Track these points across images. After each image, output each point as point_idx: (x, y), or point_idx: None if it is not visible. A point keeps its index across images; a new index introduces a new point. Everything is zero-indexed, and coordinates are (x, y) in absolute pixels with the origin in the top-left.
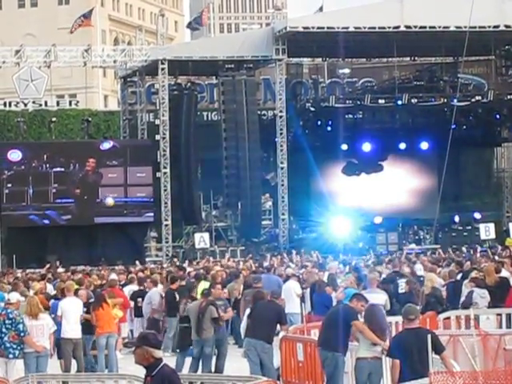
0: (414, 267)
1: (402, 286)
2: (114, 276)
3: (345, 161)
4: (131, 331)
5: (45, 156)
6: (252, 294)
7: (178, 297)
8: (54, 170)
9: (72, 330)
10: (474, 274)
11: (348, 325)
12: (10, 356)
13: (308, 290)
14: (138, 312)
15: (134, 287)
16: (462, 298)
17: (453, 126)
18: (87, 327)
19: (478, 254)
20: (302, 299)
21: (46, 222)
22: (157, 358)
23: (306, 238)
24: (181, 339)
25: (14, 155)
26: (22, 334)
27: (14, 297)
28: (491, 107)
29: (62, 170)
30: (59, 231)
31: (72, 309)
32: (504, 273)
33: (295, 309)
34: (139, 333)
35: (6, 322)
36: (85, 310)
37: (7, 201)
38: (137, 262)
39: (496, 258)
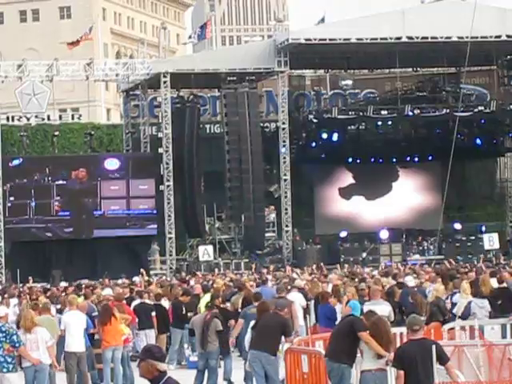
0: (405, 279)
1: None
2: (108, 291)
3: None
4: (134, 343)
5: (47, 169)
6: (257, 306)
7: (184, 309)
8: (57, 182)
9: (75, 343)
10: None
11: (356, 336)
12: (4, 370)
13: (312, 301)
14: (143, 325)
15: (138, 300)
16: (461, 309)
17: (456, 137)
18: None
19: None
20: (307, 311)
21: (49, 234)
22: (161, 371)
23: (310, 250)
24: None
25: (13, 169)
26: (16, 345)
27: (2, 311)
28: (494, 117)
29: (64, 182)
30: (62, 245)
31: (75, 322)
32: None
33: (299, 321)
34: (143, 346)
35: (0, 335)
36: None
37: (10, 214)
38: (141, 270)
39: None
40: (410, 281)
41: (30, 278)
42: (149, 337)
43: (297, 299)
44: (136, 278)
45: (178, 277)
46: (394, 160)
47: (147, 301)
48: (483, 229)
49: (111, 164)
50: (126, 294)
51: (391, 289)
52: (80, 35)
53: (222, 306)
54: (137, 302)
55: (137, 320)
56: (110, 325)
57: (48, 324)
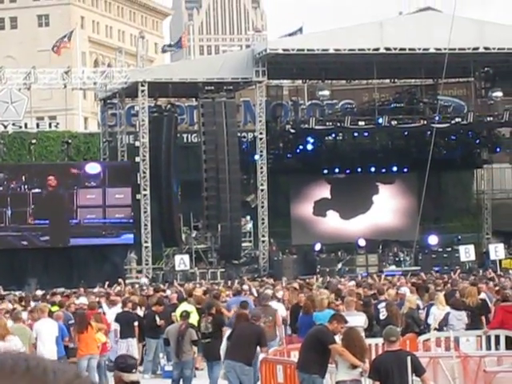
0: (400, 290)
1: (383, 309)
2: (83, 299)
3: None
4: (116, 353)
5: (23, 177)
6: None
7: (158, 319)
8: (33, 191)
9: (47, 351)
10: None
11: (324, 346)
12: None
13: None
14: (125, 334)
15: (118, 309)
16: (437, 321)
17: (432, 148)
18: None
19: (457, 276)
20: (286, 321)
21: (24, 243)
22: (126, 382)
23: (286, 260)
24: (206, 354)
25: None
26: None
27: None
28: (471, 129)
29: (40, 191)
30: (39, 253)
31: (46, 330)
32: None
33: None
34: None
35: None
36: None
37: None
38: (120, 280)
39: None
40: (404, 292)
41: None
42: (131, 346)
43: (278, 309)
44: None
45: (154, 286)
46: (371, 171)
47: (130, 310)
48: (459, 240)
49: (92, 168)
50: (101, 302)
51: (367, 299)
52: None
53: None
54: (119, 310)
55: (119, 328)
56: (86, 333)
57: (20, 333)
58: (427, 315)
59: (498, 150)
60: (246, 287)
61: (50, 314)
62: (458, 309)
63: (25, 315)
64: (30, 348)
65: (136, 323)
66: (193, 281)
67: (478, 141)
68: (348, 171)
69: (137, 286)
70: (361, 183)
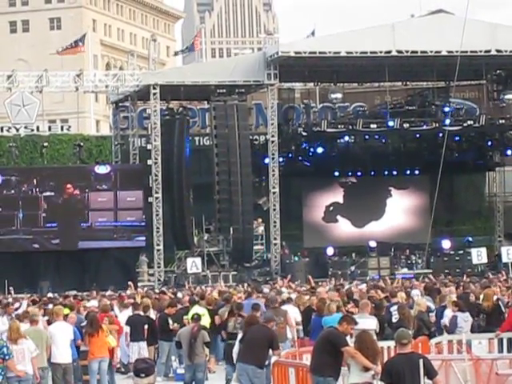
0: (412, 293)
1: (395, 312)
2: (94, 302)
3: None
4: (129, 356)
5: (35, 180)
6: (245, 318)
7: (171, 321)
8: (44, 194)
9: (61, 354)
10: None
11: (337, 349)
12: None
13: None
14: (135, 337)
15: (129, 312)
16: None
17: (444, 151)
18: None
19: (468, 279)
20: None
21: (36, 246)
22: None
23: (298, 263)
24: (227, 353)
25: (0, 180)
26: (6, 358)
27: None
28: (483, 132)
29: (52, 194)
30: (51, 256)
31: (61, 333)
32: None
33: (290, 332)
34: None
35: None
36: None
37: None
38: (129, 283)
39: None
40: (417, 295)
41: (12, 288)
42: (142, 349)
43: (292, 313)
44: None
45: (160, 290)
46: (383, 174)
47: (141, 313)
48: (470, 242)
49: (102, 169)
50: (113, 305)
51: (380, 302)
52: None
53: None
54: (130, 313)
55: (129, 331)
56: (97, 336)
57: (36, 335)
58: (440, 318)
59: (510, 152)
60: (266, 290)
61: (65, 317)
62: (463, 311)
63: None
64: (46, 350)
65: (146, 326)
66: (204, 284)
67: (490, 143)
68: (360, 174)
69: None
70: (373, 187)
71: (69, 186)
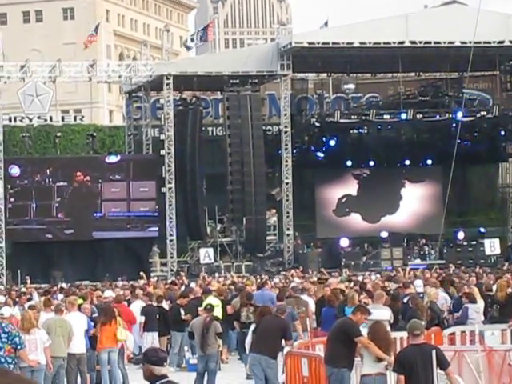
0: (414, 283)
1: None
2: (109, 293)
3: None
4: (140, 347)
5: (48, 170)
6: (258, 309)
7: (183, 312)
8: (57, 184)
9: (75, 345)
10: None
11: (351, 339)
12: None
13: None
14: (149, 327)
15: (141, 303)
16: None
17: (458, 142)
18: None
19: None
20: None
21: (49, 236)
22: (157, 376)
23: (311, 254)
24: (241, 343)
25: (14, 170)
26: (18, 348)
27: (7, 311)
28: (496, 122)
29: (65, 184)
30: (63, 246)
31: (75, 324)
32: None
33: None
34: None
35: (2, 335)
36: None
37: (10, 215)
38: (141, 273)
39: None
40: (419, 286)
41: (28, 278)
42: (155, 339)
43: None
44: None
45: (171, 280)
46: (396, 165)
47: (154, 303)
48: (485, 234)
49: (112, 158)
50: (126, 295)
51: (396, 292)
52: (84, 36)
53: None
54: (143, 304)
55: (143, 321)
56: (109, 326)
57: (60, 324)
58: (456, 309)
59: None
60: (276, 280)
61: (79, 308)
62: (474, 302)
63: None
64: (68, 340)
65: (157, 316)
66: (217, 273)
67: (503, 134)
68: (373, 164)
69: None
70: (387, 179)
71: (78, 173)
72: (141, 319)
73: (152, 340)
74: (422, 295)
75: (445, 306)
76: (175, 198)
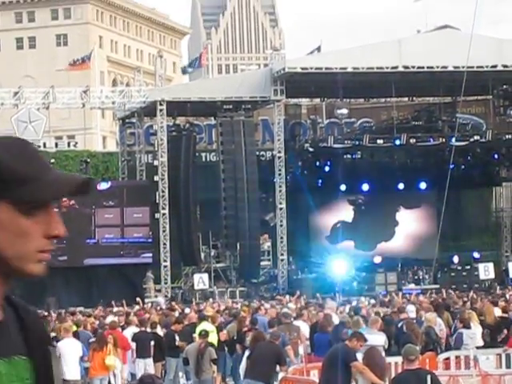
0: (407, 308)
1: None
2: (112, 318)
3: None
4: (131, 374)
5: None
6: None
7: (177, 338)
8: None
9: (70, 371)
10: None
11: (347, 365)
12: None
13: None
14: (141, 354)
15: (135, 329)
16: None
17: (451, 166)
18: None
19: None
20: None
21: None
22: None
23: (305, 279)
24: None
25: None
26: None
27: None
28: (490, 147)
29: (58, 210)
30: (58, 272)
31: (70, 350)
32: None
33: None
34: (140, 375)
35: None
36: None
37: None
38: (137, 299)
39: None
40: (412, 311)
41: None
42: (148, 365)
43: (302, 328)
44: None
45: (168, 306)
46: (390, 190)
47: (147, 329)
48: (478, 258)
49: (103, 185)
50: (121, 321)
51: (389, 317)
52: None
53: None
54: (136, 330)
55: (135, 348)
56: (102, 352)
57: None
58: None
59: None
60: (267, 306)
61: (74, 334)
62: (468, 327)
63: None
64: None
65: (152, 343)
66: (211, 299)
67: (496, 158)
68: (367, 190)
69: (149, 305)
70: (381, 206)
71: (69, 202)
72: (132, 345)
73: (144, 366)
74: (415, 320)
75: (441, 331)
76: (169, 223)
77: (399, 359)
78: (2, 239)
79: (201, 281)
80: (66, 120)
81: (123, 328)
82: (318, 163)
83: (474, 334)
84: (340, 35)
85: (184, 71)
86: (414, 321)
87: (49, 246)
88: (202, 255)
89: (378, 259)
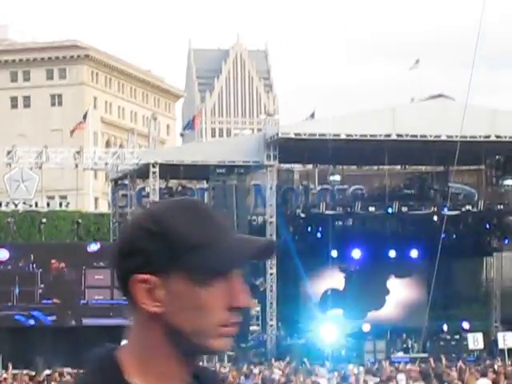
0: (397, 377)
1: None
2: None
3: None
4: None
5: (32, 256)
6: None
7: None
8: (41, 270)
9: None
10: None
11: None
12: None
13: None
14: None
15: None
16: None
17: (443, 235)
18: None
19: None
20: None
21: (32, 322)
22: None
23: (294, 345)
24: None
25: (1, 254)
26: None
27: None
28: (481, 217)
29: (49, 270)
30: (46, 332)
31: None
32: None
33: None
34: None
35: None
36: None
37: None
38: None
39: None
40: (401, 380)
41: (10, 364)
42: None
43: None
44: None
45: None
46: (382, 257)
47: None
48: (468, 329)
49: (93, 247)
50: None
51: None
52: (71, 123)
53: None
54: None
55: None
56: None
57: None
58: None
59: (506, 241)
60: (256, 371)
61: None
62: None
63: None
64: None
65: None
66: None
67: (488, 228)
68: (358, 258)
69: None
70: (373, 273)
71: (53, 260)
72: None
73: None
74: None
75: None
76: None
77: None
78: (178, 314)
79: None
80: (59, 180)
81: None
82: (309, 229)
83: None
84: (334, 101)
85: (182, 135)
86: None
87: (232, 319)
88: None
89: (366, 327)
